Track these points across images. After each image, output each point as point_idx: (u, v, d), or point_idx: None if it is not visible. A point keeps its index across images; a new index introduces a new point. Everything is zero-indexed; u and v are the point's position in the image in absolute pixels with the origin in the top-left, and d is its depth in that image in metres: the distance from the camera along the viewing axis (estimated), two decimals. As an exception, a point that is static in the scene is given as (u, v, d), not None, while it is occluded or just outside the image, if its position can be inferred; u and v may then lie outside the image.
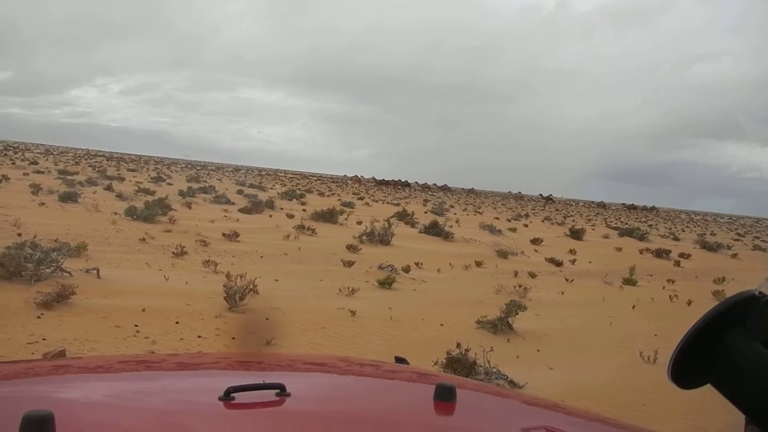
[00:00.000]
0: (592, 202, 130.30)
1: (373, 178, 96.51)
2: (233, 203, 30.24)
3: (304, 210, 29.82)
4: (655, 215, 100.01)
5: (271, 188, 52.20)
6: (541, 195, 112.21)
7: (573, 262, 20.37)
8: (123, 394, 1.50)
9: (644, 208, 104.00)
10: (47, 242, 10.44)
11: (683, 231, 57.49)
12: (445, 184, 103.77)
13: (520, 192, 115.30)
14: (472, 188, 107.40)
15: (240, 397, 1.34)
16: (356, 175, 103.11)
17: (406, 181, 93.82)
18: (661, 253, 26.01)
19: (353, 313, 8.89)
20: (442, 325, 8.94)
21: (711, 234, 53.26)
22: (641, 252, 26.76)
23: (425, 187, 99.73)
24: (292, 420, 1.35)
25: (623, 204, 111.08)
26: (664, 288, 15.43)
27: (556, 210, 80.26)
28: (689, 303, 12.23)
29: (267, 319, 8.20)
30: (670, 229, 57.99)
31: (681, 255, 26.07)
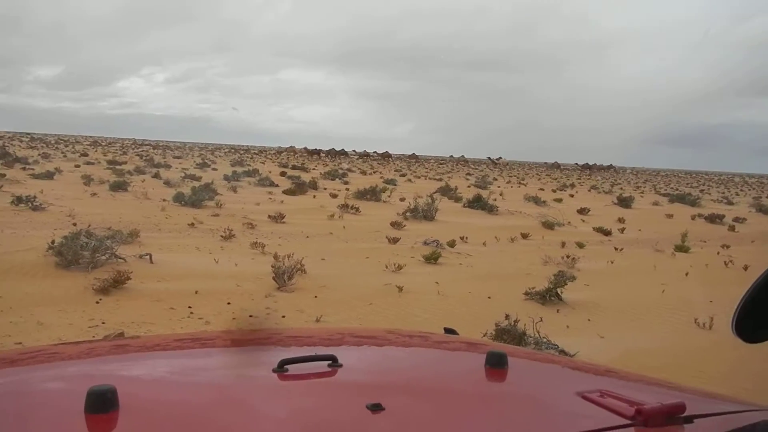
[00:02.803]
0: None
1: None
2: (277, 185, 30.56)
3: (347, 189, 29.95)
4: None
5: (314, 169, 52.56)
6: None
7: (622, 230, 19.94)
8: (180, 369, 1.55)
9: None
10: (101, 230, 10.77)
11: (737, 195, 55.56)
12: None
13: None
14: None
15: (293, 369, 1.37)
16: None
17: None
18: (714, 218, 25.21)
19: (400, 288, 8.93)
20: (489, 297, 8.91)
21: (767, 197, 51.31)
22: (693, 218, 25.99)
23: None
24: (346, 389, 1.37)
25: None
26: (718, 254, 14.96)
27: (603, 179, 78.56)
28: (745, 268, 11.84)
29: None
30: (723, 193, 56.13)
31: (735, 219, 25.22)
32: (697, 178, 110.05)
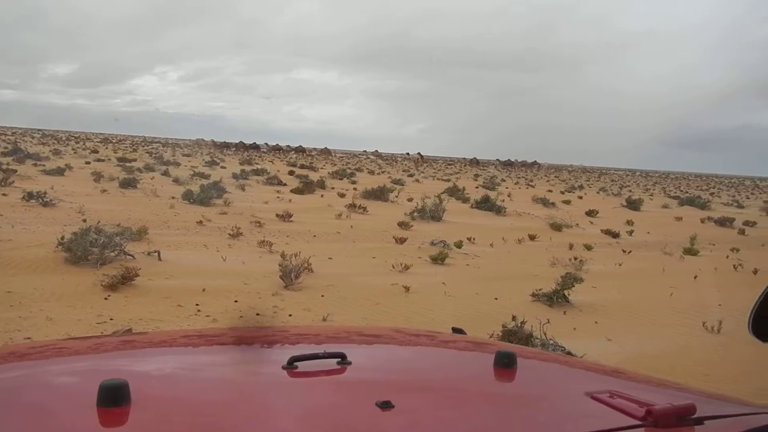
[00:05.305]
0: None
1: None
2: (285, 184, 30.61)
3: (354, 189, 29.94)
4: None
5: (322, 168, 52.60)
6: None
7: (630, 233, 19.85)
8: (190, 365, 1.56)
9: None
10: (110, 227, 10.81)
11: (747, 198, 55.26)
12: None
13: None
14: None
15: (303, 366, 1.37)
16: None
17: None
18: (724, 222, 25.06)
19: (407, 288, 8.92)
20: (496, 299, 8.90)
21: (778, 200, 50.95)
22: (703, 221, 25.86)
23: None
24: (355, 387, 1.37)
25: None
26: (727, 257, 14.88)
27: (612, 181, 78.28)
28: (755, 272, 11.79)
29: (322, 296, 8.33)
30: (734, 196, 55.81)
31: (746, 223, 25.06)
32: (707, 181, 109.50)
